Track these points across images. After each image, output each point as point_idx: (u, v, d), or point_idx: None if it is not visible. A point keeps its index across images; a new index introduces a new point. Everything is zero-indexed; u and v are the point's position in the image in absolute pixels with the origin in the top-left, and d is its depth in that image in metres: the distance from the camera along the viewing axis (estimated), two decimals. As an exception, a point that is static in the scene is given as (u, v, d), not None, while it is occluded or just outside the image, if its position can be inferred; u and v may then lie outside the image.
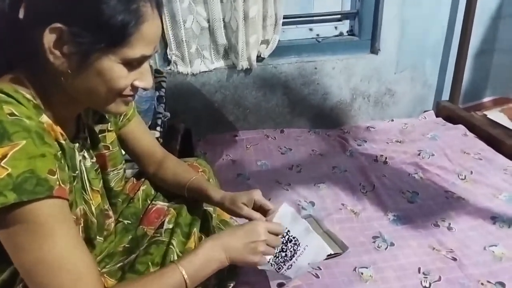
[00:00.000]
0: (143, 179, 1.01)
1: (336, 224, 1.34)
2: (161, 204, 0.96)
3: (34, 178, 0.55)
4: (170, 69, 1.86)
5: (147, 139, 0.99)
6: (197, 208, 0.97)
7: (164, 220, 0.91)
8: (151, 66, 1.65)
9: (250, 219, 0.88)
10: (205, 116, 1.97)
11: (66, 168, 0.66)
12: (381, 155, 1.76)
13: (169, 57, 1.84)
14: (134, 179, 1.02)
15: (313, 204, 1.45)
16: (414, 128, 2.01)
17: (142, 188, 0.98)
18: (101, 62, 0.60)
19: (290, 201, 1.46)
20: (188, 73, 1.87)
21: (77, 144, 0.74)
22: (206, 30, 1.82)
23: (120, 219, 0.92)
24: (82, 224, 0.73)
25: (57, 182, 0.58)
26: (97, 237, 0.80)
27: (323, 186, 1.55)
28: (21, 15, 0.60)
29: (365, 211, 1.42)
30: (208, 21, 1.80)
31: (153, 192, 0.98)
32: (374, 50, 1.99)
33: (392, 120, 2.09)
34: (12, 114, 0.56)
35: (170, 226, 0.89)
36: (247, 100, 1.98)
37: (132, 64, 0.63)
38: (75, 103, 0.69)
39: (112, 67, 0.61)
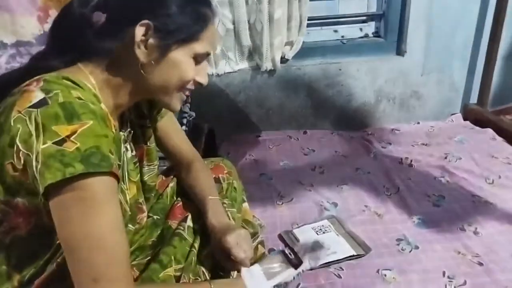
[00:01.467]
0: (171, 176, 1.04)
1: (359, 226, 1.33)
2: (184, 200, 0.99)
3: (99, 154, 0.60)
4: (195, 70, 1.90)
5: (178, 140, 1.02)
6: None
7: (188, 215, 0.93)
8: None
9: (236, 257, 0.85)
10: (228, 116, 1.99)
11: (118, 153, 0.70)
12: (406, 158, 1.73)
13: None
14: (163, 176, 1.05)
15: (335, 205, 1.45)
16: (440, 131, 1.97)
17: (170, 185, 1.01)
18: (177, 54, 0.70)
19: (312, 202, 1.47)
20: (213, 74, 1.90)
21: (122, 136, 0.79)
22: (231, 31, 1.85)
23: (150, 214, 0.96)
24: None
25: (115, 163, 0.63)
26: (129, 225, 0.83)
27: (346, 188, 1.55)
28: (100, 16, 0.68)
29: (389, 213, 1.40)
30: (233, 23, 1.82)
31: (179, 187, 1.01)
32: (400, 52, 1.97)
33: (418, 123, 2.06)
34: (79, 98, 0.62)
35: (195, 226, 0.92)
36: (270, 101, 1.99)
37: (197, 59, 0.73)
38: (139, 95, 0.76)
39: (185, 60, 0.71)
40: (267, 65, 1.88)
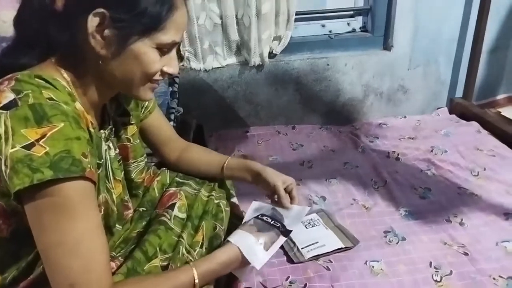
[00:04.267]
0: (158, 171, 1.03)
1: (347, 219, 1.35)
2: (173, 189, 0.98)
3: (70, 158, 0.58)
4: (183, 65, 1.88)
5: (168, 128, 1.04)
6: (209, 201, 0.99)
7: (175, 202, 0.92)
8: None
9: (280, 196, 0.97)
10: (217, 111, 1.99)
11: (95, 154, 0.68)
12: (393, 152, 1.75)
13: (182, 53, 1.87)
14: (151, 172, 1.04)
15: (324, 198, 1.46)
16: (427, 125, 2.00)
17: (157, 179, 1.00)
18: (137, 46, 0.65)
19: (301, 196, 1.47)
20: (200, 69, 1.89)
21: (103, 134, 0.77)
22: (219, 26, 1.84)
23: (137, 208, 0.94)
24: (102, 212, 0.75)
25: (89, 165, 0.61)
26: (116, 225, 0.83)
27: (335, 182, 1.56)
28: (58, 5, 0.63)
29: (377, 206, 1.42)
30: (221, 18, 1.81)
31: (168, 181, 1.01)
32: (387, 46, 1.98)
33: (405, 117, 2.08)
34: (51, 99, 0.60)
35: (181, 215, 0.91)
36: (258, 96, 1.99)
37: (163, 50, 0.68)
38: (107, 89, 0.73)
39: (147, 51, 0.66)
40: (255, 60, 1.87)
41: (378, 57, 1.98)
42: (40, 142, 0.56)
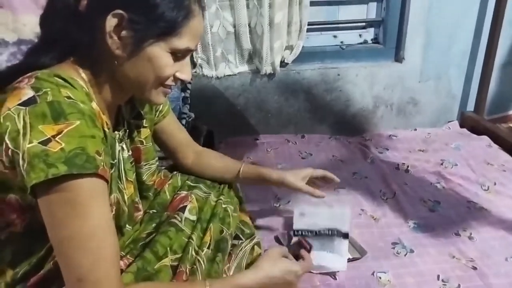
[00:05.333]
0: (170, 175, 1.05)
1: (355, 229, 1.34)
2: (185, 192, 0.99)
3: (84, 155, 0.59)
4: (195, 72, 1.91)
5: (183, 133, 1.06)
6: (217, 205, 1.00)
7: (186, 205, 0.93)
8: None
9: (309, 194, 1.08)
10: (227, 118, 2.00)
11: (109, 153, 0.70)
12: (403, 163, 1.75)
13: (195, 60, 1.89)
14: (162, 175, 1.05)
15: (331, 207, 1.45)
16: (437, 138, 1.99)
17: (168, 182, 1.02)
18: (152, 49, 0.67)
19: (309, 204, 1.47)
20: (212, 76, 1.91)
21: (117, 135, 0.79)
22: (232, 34, 1.86)
23: (147, 210, 0.95)
24: (114, 212, 0.76)
25: (102, 163, 0.62)
26: (127, 225, 0.84)
27: (343, 191, 1.55)
28: (82, 7, 0.66)
29: (385, 217, 1.41)
30: (234, 26, 1.84)
31: (179, 184, 1.02)
32: (398, 58, 1.99)
33: (415, 129, 2.07)
34: (68, 97, 0.62)
35: (192, 217, 0.92)
36: (269, 104, 2.00)
37: (177, 55, 0.70)
38: (121, 91, 0.74)
39: (161, 55, 0.68)
40: (266, 68, 1.89)
41: (389, 69, 1.99)
42: (56, 138, 0.58)
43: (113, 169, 0.74)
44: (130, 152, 0.85)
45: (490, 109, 2.22)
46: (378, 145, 1.94)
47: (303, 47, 1.91)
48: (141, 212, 0.93)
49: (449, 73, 2.09)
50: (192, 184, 1.04)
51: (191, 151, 1.07)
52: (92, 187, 0.61)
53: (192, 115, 1.66)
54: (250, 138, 2.01)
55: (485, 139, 1.93)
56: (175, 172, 1.06)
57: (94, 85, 0.71)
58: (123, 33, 0.65)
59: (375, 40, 2.05)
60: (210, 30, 1.80)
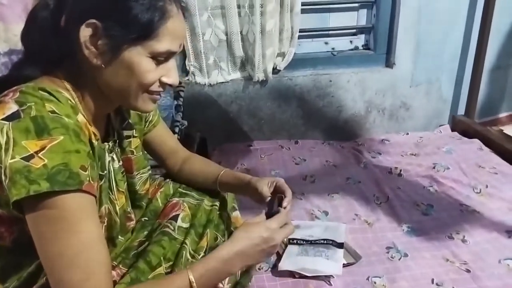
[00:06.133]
0: (162, 183, 1.04)
1: (350, 234, 1.34)
2: (176, 199, 0.99)
3: (67, 171, 0.59)
4: (188, 79, 1.91)
5: (172, 140, 1.06)
6: (212, 212, 1.00)
7: (179, 213, 0.92)
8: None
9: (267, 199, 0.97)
10: (220, 125, 2.00)
11: (96, 167, 0.69)
12: (396, 168, 1.76)
13: (187, 68, 1.90)
14: (156, 184, 1.05)
15: (326, 213, 1.46)
16: (429, 142, 2.00)
17: (160, 190, 1.01)
18: (131, 55, 0.66)
19: (303, 210, 1.48)
20: (205, 84, 1.92)
21: (107, 146, 0.78)
22: (224, 42, 1.88)
23: (140, 218, 0.95)
24: (105, 223, 0.75)
25: (87, 178, 0.61)
26: (119, 236, 0.83)
27: (337, 196, 1.56)
28: (62, 22, 0.66)
29: (379, 221, 1.42)
30: (226, 34, 1.85)
31: (171, 191, 1.01)
32: (389, 64, 2.01)
33: (407, 134, 2.09)
34: (53, 112, 0.61)
35: (185, 225, 0.91)
36: (262, 111, 2.01)
37: (159, 59, 0.68)
38: (107, 101, 0.73)
39: (141, 60, 0.66)
40: (259, 75, 1.90)
41: (381, 74, 2.01)
42: (39, 154, 0.57)
43: (103, 180, 0.73)
44: (121, 163, 0.84)
45: (481, 112, 2.25)
46: (371, 149, 1.95)
47: (295, 53, 1.93)
48: (134, 222, 0.92)
49: (440, 78, 2.11)
50: (183, 191, 1.03)
51: (180, 157, 1.07)
52: (77, 203, 0.60)
53: (185, 123, 1.66)
54: (244, 145, 2.01)
55: (476, 142, 1.95)
56: (168, 180, 1.06)
57: (80, 96, 0.70)
58: (100, 42, 0.64)
59: (366, 46, 2.07)
60: (202, 38, 1.81)
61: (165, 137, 1.03)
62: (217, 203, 1.03)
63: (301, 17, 1.86)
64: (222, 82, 1.94)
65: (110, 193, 0.78)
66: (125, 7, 0.63)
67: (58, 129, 0.60)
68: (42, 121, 0.59)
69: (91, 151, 0.66)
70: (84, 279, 0.59)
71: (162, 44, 0.66)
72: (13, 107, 0.60)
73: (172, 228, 0.88)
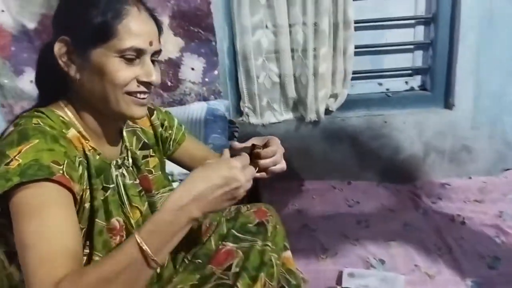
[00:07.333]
0: (215, 223, 1.05)
1: (409, 286, 1.27)
2: (231, 245, 0.97)
3: (37, 165, 0.63)
4: (242, 119, 1.97)
5: (202, 152, 1.05)
6: (265, 253, 0.99)
7: (232, 263, 0.92)
8: (224, 116, 1.77)
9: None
10: (272, 165, 2.01)
11: (85, 173, 0.72)
12: (458, 215, 1.66)
13: (242, 109, 1.96)
14: (207, 222, 1.06)
15: (382, 262, 1.39)
16: (494, 187, 1.88)
17: (214, 230, 1.02)
18: (98, 58, 0.70)
19: (358, 257, 1.42)
20: (258, 124, 1.96)
21: (114, 161, 0.82)
22: (277, 84, 1.92)
23: (193, 260, 0.96)
24: (124, 237, 0.78)
25: (60, 171, 0.64)
26: None
27: (394, 244, 1.49)
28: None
29: (441, 274, 1.33)
30: (279, 77, 1.90)
31: (225, 231, 1.01)
32: (448, 105, 1.94)
33: (470, 178, 1.97)
34: (37, 123, 0.69)
35: (237, 269, 0.91)
36: (314, 150, 2.00)
37: (128, 57, 0.71)
38: (99, 113, 0.77)
39: (108, 61, 0.70)
40: (311, 116, 1.92)
41: (439, 116, 1.94)
42: (16, 157, 0.63)
43: (108, 192, 0.77)
44: (137, 181, 0.87)
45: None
46: (430, 194, 1.86)
47: (348, 94, 1.93)
48: None
49: (503, 119, 1.99)
50: (237, 234, 1.02)
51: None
52: (46, 192, 0.63)
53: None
54: (295, 184, 2.00)
55: (549, 189, 1.80)
56: (220, 218, 1.05)
57: (78, 116, 0.76)
58: (73, 56, 0.71)
59: (423, 87, 2.02)
60: (257, 80, 1.87)
61: (194, 151, 1.03)
62: (269, 244, 1.02)
63: (355, 59, 1.87)
64: (275, 123, 1.97)
65: (123, 206, 0.81)
66: (82, 15, 0.70)
67: (35, 135, 0.66)
68: (25, 131, 0.66)
69: (77, 158, 0.70)
70: (40, 261, 0.59)
71: (124, 42, 0.69)
72: (10, 129, 0.69)
73: (227, 278, 0.88)
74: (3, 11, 1.86)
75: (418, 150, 1.98)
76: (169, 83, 1.90)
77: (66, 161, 0.66)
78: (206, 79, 1.89)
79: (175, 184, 1.03)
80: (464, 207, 1.72)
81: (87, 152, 0.74)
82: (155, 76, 0.74)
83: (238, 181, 0.68)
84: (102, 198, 0.75)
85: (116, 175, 0.81)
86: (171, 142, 0.99)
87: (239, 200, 0.71)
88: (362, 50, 1.93)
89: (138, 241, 0.60)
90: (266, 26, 1.83)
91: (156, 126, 0.96)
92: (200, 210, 0.66)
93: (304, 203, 1.86)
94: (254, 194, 1.80)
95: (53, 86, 0.77)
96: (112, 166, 0.81)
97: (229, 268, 0.91)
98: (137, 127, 0.92)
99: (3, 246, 0.73)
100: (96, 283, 0.58)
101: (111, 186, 0.79)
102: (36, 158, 0.63)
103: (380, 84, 2.04)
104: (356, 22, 1.82)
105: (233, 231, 1.03)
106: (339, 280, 1.31)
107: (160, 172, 0.94)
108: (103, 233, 0.74)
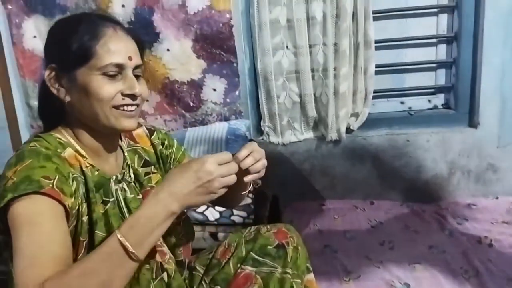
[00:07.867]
0: (234, 244, 1.05)
1: (435, 311, 1.23)
2: (250, 269, 0.97)
3: (28, 180, 0.68)
4: (263, 139, 1.98)
5: None
6: (285, 282, 0.97)
7: None
8: (245, 136, 1.78)
9: None
10: (293, 183, 2.01)
11: (80, 188, 0.76)
12: (486, 237, 1.60)
13: (262, 128, 1.97)
14: (226, 243, 1.05)
15: (407, 286, 1.36)
16: (523, 208, 1.81)
17: (233, 253, 1.01)
18: (82, 78, 0.76)
19: (382, 281, 1.39)
20: (279, 143, 1.97)
21: (114, 177, 0.85)
22: (298, 104, 1.93)
23: (212, 286, 0.96)
24: None
25: (50, 185, 0.69)
26: (145, 265, 0.83)
27: (419, 267, 1.45)
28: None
29: (469, 299, 1.28)
30: (300, 96, 1.91)
31: (244, 254, 1.01)
32: (472, 123, 1.91)
33: (497, 198, 1.91)
34: (33, 146, 0.75)
35: None
36: (335, 169, 1.99)
37: (109, 74, 0.77)
38: (94, 131, 0.82)
39: (91, 79, 0.76)
40: (332, 135, 1.91)
41: (463, 135, 1.90)
42: (11, 176, 0.69)
43: (108, 205, 0.80)
44: (140, 196, 0.89)
45: None
46: (456, 214, 1.81)
47: (369, 113, 1.92)
48: (168, 257, 0.92)
49: (531, 137, 1.94)
50: (256, 257, 1.01)
51: None
52: (37, 205, 0.68)
53: (259, 181, 1.69)
54: (316, 204, 1.99)
55: None
56: (239, 239, 1.04)
57: (73, 134, 0.82)
58: (62, 80, 0.77)
59: (446, 106, 2.00)
60: (277, 100, 1.89)
61: None
62: (290, 270, 1.00)
63: (377, 78, 1.87)
64: (295, 142, 1.97)
65: (123, 219, 0.82)
66: (64, 41, 0.76)
67: (30, 156, 0.72)
68: (22, 154, 0.73)
69: (71, 174, 0.74)
70: (26, 266, 0.64)
71: (103, 59, 0.75)
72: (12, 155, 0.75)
73: None
74: (35, 36, 1.96)
75: (442, 170, 1.94)
76: (191, 104, 1.94)
77: (57, 176, 0.71)
78: (228, 100, 1.92)
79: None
80: (492, 229, 1.67)
81: (84, 169, 0.79)
82: (138, 88, 0.79)
83: (210, 175, 0.71)
84: (102, 211, 0.79)
85: (116, 189, 0.85)
86: (172, 160, 1.02)
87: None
88: (383, 69, 1.93)
89: (118, 235, 0.66)
90: (287, 47, 1.86)
91: (156, 145, 0.99)
92: (178, 204, 0.70)
93: (325, 223, 1.83)
94: (275, 214, 1.80)
95: (53, 114, 0.83)
96: (112, 180, 0.84)
97: None
98: (138, 146, 0.97)
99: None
100: (79, 275, 0.63)
101: (111, 199, 0.82)
102: (27, 175, 0.69)
103: (402, 102, 2.02)
104: (377, 41, 1.82)
105: (252, 253, 1.01)
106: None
107: None
108: None
